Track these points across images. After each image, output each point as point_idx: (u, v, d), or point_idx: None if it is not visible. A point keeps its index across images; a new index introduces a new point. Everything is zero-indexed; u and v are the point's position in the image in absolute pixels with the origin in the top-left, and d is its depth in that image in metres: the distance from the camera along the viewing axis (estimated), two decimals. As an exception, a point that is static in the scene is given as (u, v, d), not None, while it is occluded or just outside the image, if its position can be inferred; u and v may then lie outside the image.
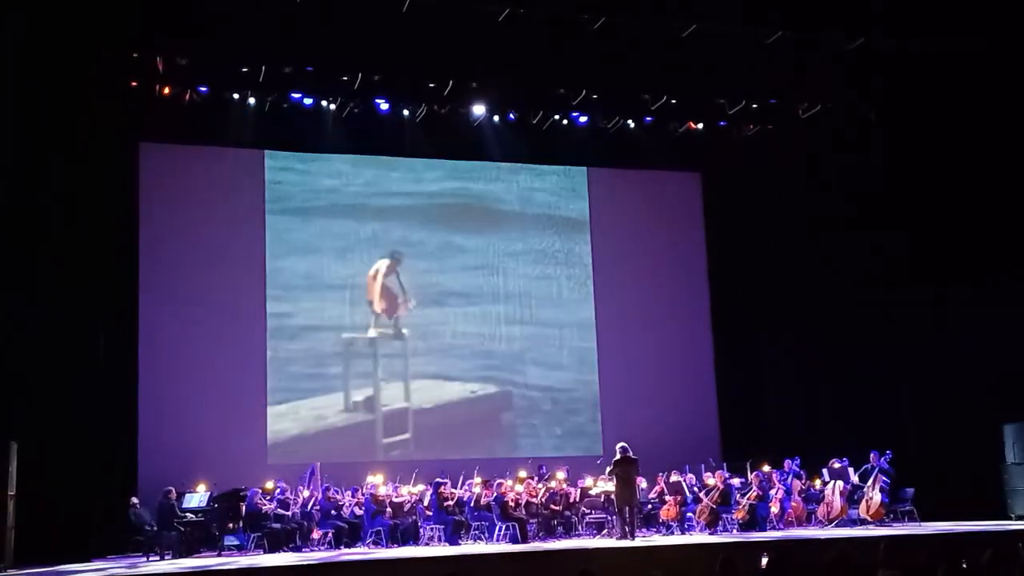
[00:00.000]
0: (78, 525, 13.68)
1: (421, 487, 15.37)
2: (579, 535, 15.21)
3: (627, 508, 13.88)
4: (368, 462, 16.76)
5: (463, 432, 17.98)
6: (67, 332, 14.00)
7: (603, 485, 15.03)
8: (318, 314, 17.58)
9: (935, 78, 16.48)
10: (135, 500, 14.84)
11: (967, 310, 16.80)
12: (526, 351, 18.60)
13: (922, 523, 15.52)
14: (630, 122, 18.53)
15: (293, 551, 14.03)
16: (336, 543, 14.36)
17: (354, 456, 17.05)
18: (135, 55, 15.46)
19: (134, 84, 16.07)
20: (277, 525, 14.28)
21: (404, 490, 15.31)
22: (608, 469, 14.32)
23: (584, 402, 18.73)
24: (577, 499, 15.35)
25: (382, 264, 18.11)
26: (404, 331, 17.99)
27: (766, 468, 16.19)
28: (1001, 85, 16.00)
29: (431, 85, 16.93)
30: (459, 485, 15.46)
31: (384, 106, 17.35)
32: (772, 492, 15.71)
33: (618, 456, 14.13)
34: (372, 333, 17.84)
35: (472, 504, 14.62)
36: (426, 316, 18.17)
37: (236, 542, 14.32)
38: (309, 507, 14.82)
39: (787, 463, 16.33)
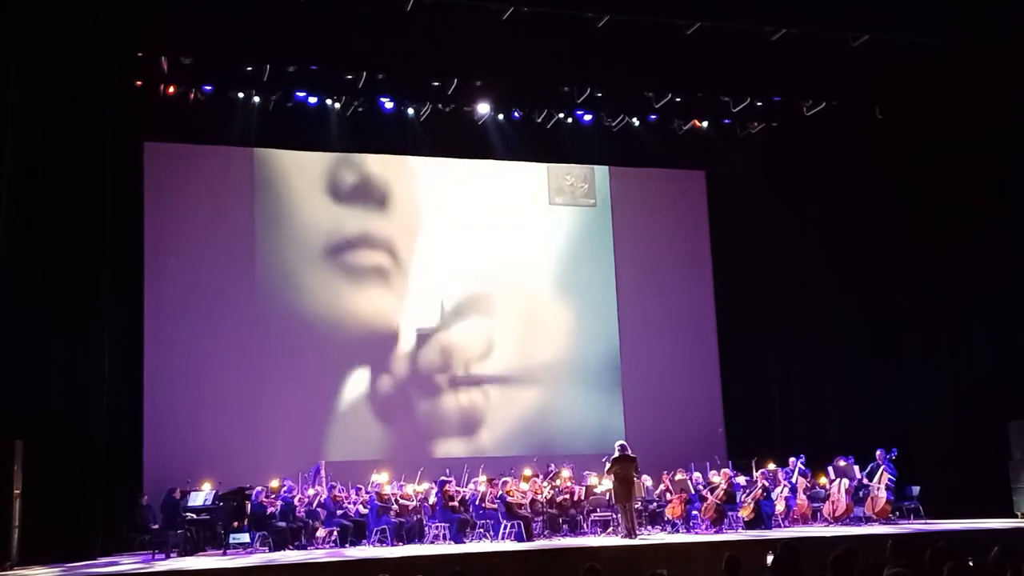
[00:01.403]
0: (83, 523, 13.67)
1: (426, 485, 15.39)
2: (584, 533, 15.21)
3: (626, 506, 13.89)
4: (373, 460, 16.77)
5: (473, 430, 18.02)
6: (71, 330, 14.00)
7: (608, 483, 15.02)
8: (324, 313, 17.58)
9: (940, 75, 16.46)
10: (145, 497, 14.89)
11: (972, 308, 16.78)
12: (527, 350, 18.59)
13: (928, 521, 15.50)
14: (635, 120, 18.53)
15: (298, 549, 14.04)
16: (341, 542, 14.38)
17: (360, 455, 17.08)
18: (139, 54, 15.49)
19: (138, 84, 16.10)
20: (282, 524, 14.29)
21: (409, 488, 15.33)
22: (607, 467, 14.34)
23: (589, 401, 18.72)
24: (582, 497, 15.35)
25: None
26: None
27: (771, 466, 16.20)
28: (1006, 83, 15.97)
29: (435, 84, 16.94)
30: (464, 483, 15.49)
31: (388, 105, 17.37)
32: (777, 490, 15.71)
33: (617, 454, 14.15)
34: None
35: (477, 502, 14.62)
36: (432, 313, 18.20)
37: (242, 540, 14.31)
38: (314, 506, 14.83)
39: (792, 461, 16.33)
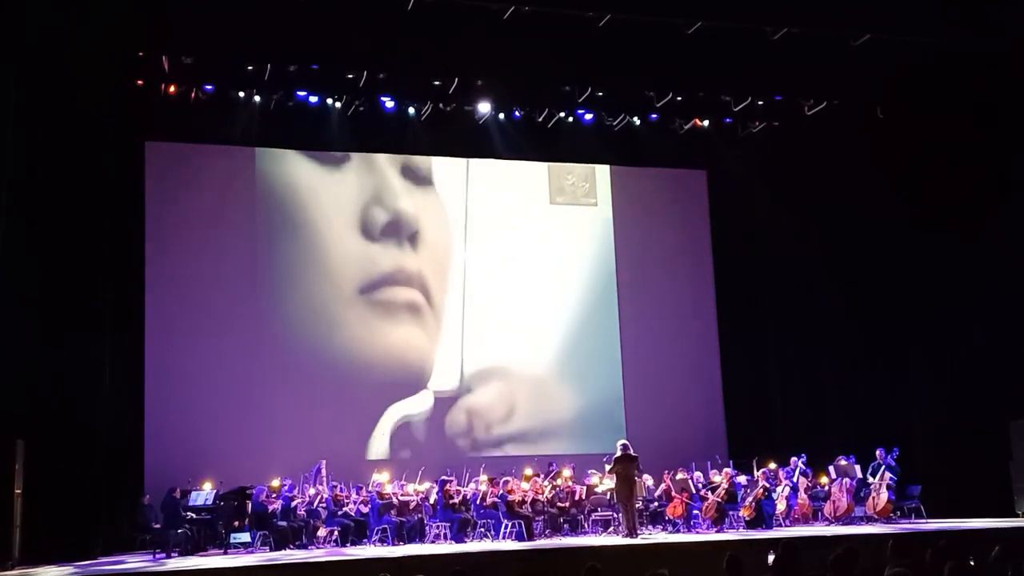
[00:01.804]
0: (84, 523, 13.68)
1: (427, 485, 15.39)
2: (585, 533, 15.21)
3: (627, 505, 13.90)
4: (375, 460, 16.77)
5: (477, 428, 18.02)
6: (72, 329, 13.99)
7: (609, 483, 15.02)
8: (326, 311, 17.58)
9: (940, 75, 16.46)
10: (147, 497, 14.89)
11: (972, 308, 16.76)
12: (527, 349, 18.60)
13: (929, 520, 15.50)
14: (636, 119, 18.54)
15: (299, 549, 14.05)
16: (342, 541, 14.38)
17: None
18: (140, 54, 15.49)
19: (139, 83, 16.11)
20: (283, 523, 14.29)
21: (410, 488, 15.33)
22: (608, 467, 14.35)
23: (590, 400, 18.71)
24: (583, 497, 15.35)
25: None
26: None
27: (772, 465, 16.20)
28: (1006, 83, 15.98)
29: (436, 83, 16.95)
30: (465, 483, 15.49)
31: (389, 104, 17.38)
32: (779, 489, 15.71)
33: (619, 453, 14.16)
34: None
35: (478, 502, 14.62)
36: (438, 312, 18.21)
37: (243, 540, 14.32)
38: (315, 505, 14.83)
39: (793, 460, 16.34)
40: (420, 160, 18.40)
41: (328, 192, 17.88)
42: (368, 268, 17.88)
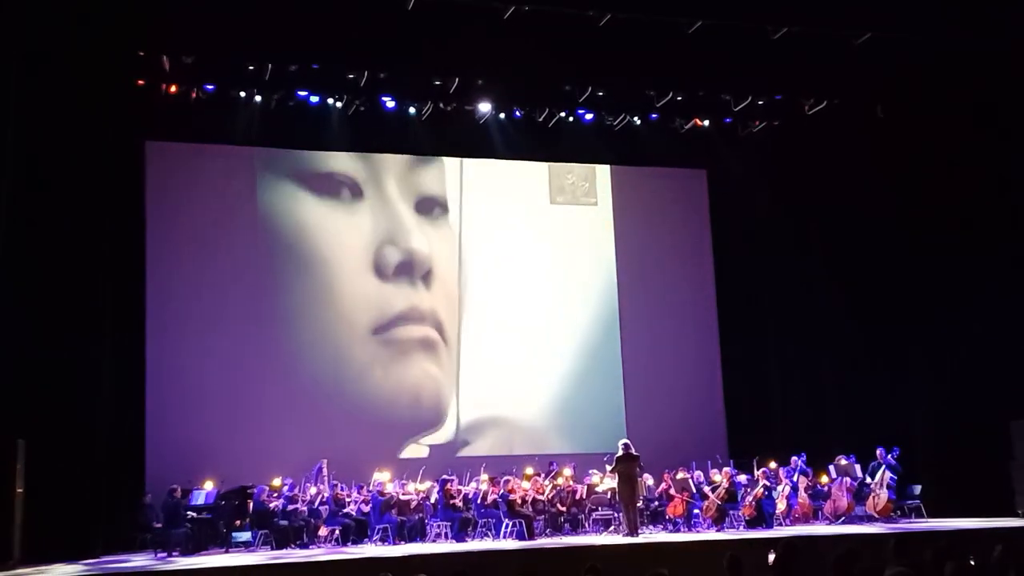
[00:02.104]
0: (85, 523, 13.68)
1: (428, 484, 15.39)
2: (586, 532, 15.22)
3: (629, 505, 13.91)
4: (375, 460, 16.76)
5: (478, 428, 18.00)
6: (73, 329, 13.99)
7: (609, 482, 15.04)
8: (326, 311, 17.58)
9: (940, 75, 16.46)
10: (148, 496, 14.90)
11: (974, 306, 16.76)
12: (528, 346, 18.59)
13: (929, 520, 15.50)
14: (636, 119, 18.54)
15: (300, 548, 14.05)
16: (343, 540, 14.39)
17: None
18: (141, 53, 15.49)
19: (140, 82, 16.11)
20: (284, 522, 14.30)
21: (411, 487, 15.34)
22: (610, 466, 14.35)
23: (591, 401, 18.72)
24: (584, 496, 15.36)
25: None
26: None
27: (772, 465, 16.20)
28: (1006, 83, 15.98)
29: (437, 83, 16.95)
30: (465, 482, 15.50)
31: (390, 104, 17.38)
32: (779, 488, 15.71)
33: (620, 453, 14.18)
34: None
35: (479, 501, 14.63)
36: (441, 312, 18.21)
37: (244, 539, 14.33)
38: (316, 504, 14.84)
39: (794, 460, 16.33)
40: (433, 187, 18.38)
41: (320, 189, 17.92)
42: (381, 306, 17.81)
